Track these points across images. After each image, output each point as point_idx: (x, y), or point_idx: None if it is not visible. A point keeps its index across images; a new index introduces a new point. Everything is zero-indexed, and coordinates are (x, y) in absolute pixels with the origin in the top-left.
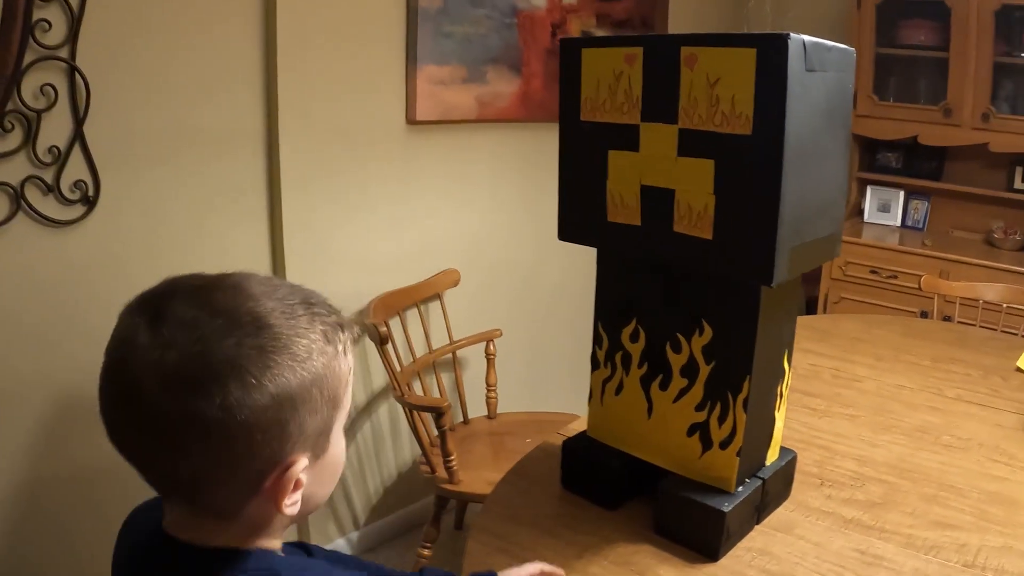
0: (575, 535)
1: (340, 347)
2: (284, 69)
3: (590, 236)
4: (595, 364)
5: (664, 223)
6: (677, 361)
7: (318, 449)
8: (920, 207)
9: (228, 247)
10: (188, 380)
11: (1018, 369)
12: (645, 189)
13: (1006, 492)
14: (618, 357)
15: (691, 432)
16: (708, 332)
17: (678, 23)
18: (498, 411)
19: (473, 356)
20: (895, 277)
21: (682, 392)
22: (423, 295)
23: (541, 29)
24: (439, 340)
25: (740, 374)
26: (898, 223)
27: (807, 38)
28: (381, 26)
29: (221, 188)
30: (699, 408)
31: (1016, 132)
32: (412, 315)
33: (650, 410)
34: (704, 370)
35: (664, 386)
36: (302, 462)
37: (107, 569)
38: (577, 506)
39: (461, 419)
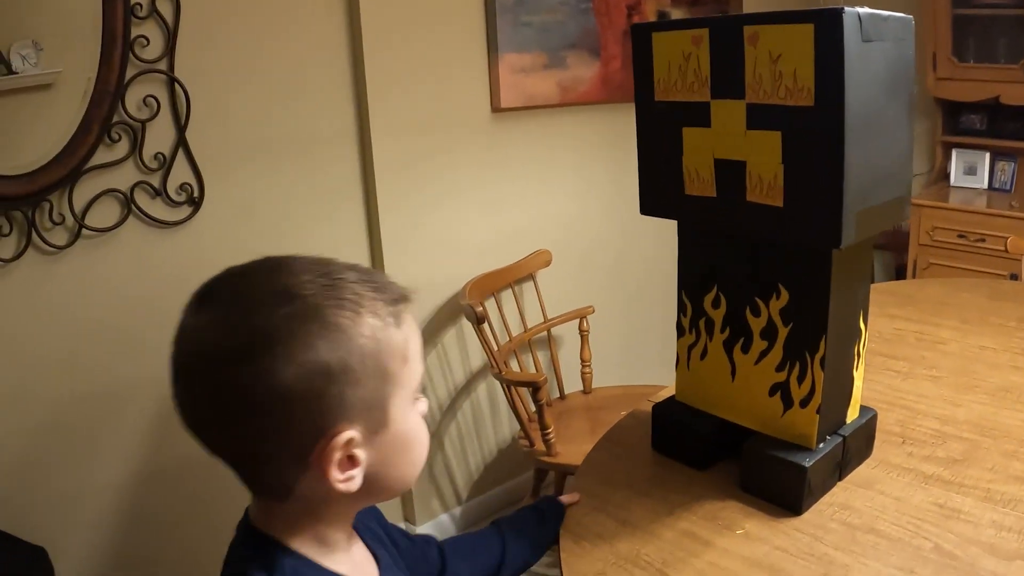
0: (666, 493)
1: (391, 319)
2: (371, 66)
3: (670, 210)
4: (680, 331)
5: (737, 194)
6: (757, 324)
7: (372, 423)
8: (1007, 168)
9: (327, 238)
10: (223, 354)
11: None
12: (718, 162)
13: None
14: (702, 323)
15: (772, 392)
16: (785, 295)
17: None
18: (593, 386)
19: (567, 333)
20: (983, 240)
21: (762, 354)
22: (516, 276)
23: (617, 12)
24: (533, 319)
25: (816, 334)
26: (985, 185)
27: (862, 10)
28: (461, 19)
29: (318, 183)
30: (779, 369)
31: None
32: (506, 296)
33: (733, 372)
34: (782, 332)
35: (746, 349)
36: (348, 434)
37: (211, 562)
38: (668, 467)
39: (558, 395)
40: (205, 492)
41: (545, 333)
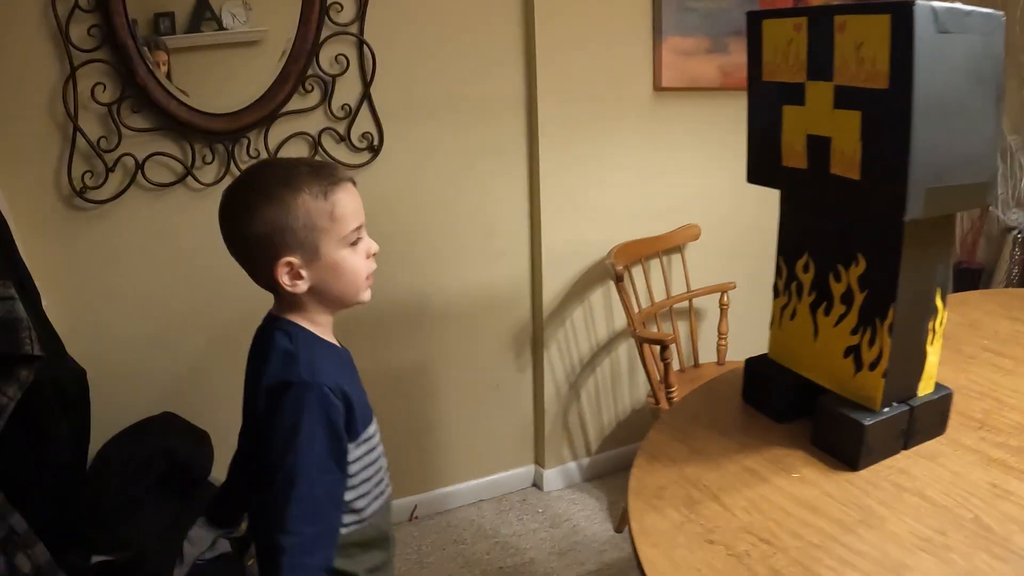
0: (743, 437)
1: (320, 194)
2: (541, 36)
3: (771, 179)
4: (776, 292)
5: (824, 166)
6: (837, 289)
7: (307, 254)
8: None
9: (490, 193)
10: (226, 213)
11: None
12: (810, 138)
13: None
14: (793, 286)
15: (847, 354)
16: (862, 263)
17: None
18: (727, 358)
19: (709, 307)
20: None
21: (841, 317)
22: (665, 246)
23: (782, 1)
24: (678, 290)
25: (886, 302)
26: None
27: (938, 4)
28: (630, 4)
29: (485, 143)
30: (853, 332)
31: None
32: (654, 265)
33: (816, 333)
34: (858, 297)
35: (827, 312)
36: (288, 258)
37: None
38: (751, 416)
39: (692, 363)
40: None
41: (687, 303)
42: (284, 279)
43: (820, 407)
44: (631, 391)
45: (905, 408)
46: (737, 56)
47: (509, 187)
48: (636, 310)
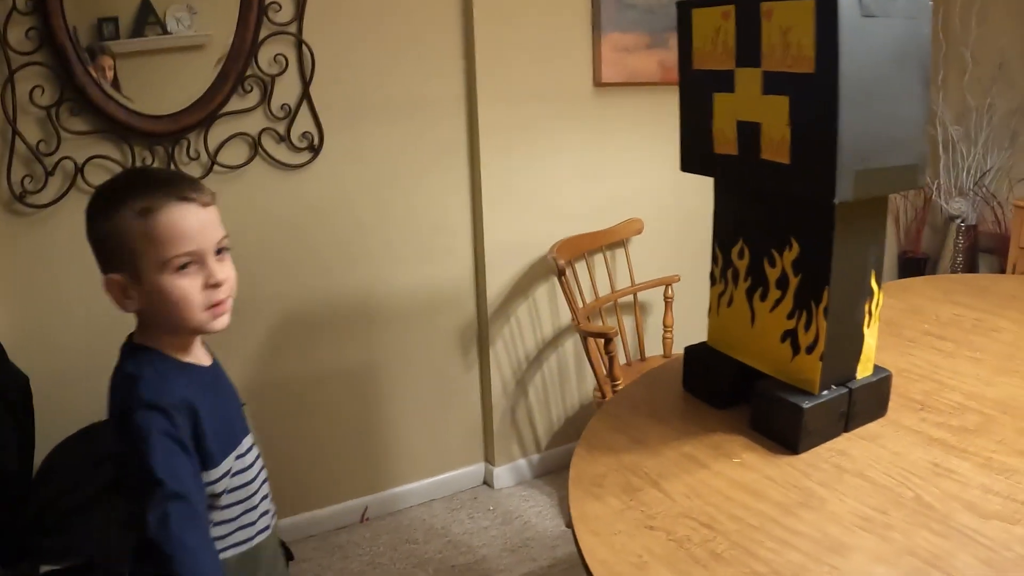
0: (683, 424)
1: (139, 215)
2: (481, 36)
3: (704, 167)
4: (712, 280)
5: (754, 152)
6: (772, 274)
7: (131, 275)
8: None
9: (433, 191)
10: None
11: None
12: (740, 124)
13: None
14: (729, 273)
15: (784, 338)
16: (796, 247)
17: None
18: (673, 351)
19: (654, 300)
20: None
21: (776, 302)
22: (608, 240)
23: None
24: (622, 284)
25: (820, 285)
26: None
27: None
28: (568, 2)
29: (427, 140)
30: (789, 316)
31: None
32: (598, 260)
33: (753, 319)
34: (793, 282)
35: (763, 297)
36: (113, 276)
37: (309, 472)
38: (691, 403)
39: (639, 357)
40: (307, 405)
41: (631, 297)
42: (114, 295)
43: (758, 392)
44: (579, 386)
45: (844, 391)
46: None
47: (451, 185)
48: (580, 305)
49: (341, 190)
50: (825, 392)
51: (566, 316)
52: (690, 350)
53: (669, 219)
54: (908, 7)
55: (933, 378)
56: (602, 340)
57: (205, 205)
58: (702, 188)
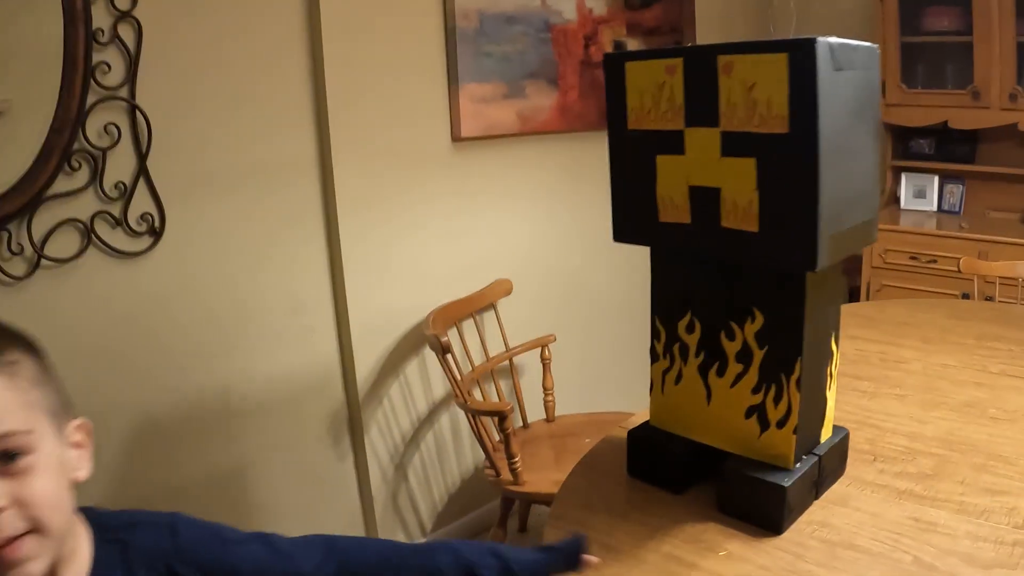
0: (646, 517)
1: None
2: (332, 96)
3: (643, 236)
4: (654, 356)
5: (712, 220)
6: (732, 348)
7: None
8: (955, 191)
9: (290, 269)
10: None
11: None
12: (693, 189)
13: None
14: (676, 348)
15: (749, 414)
16: (760, 319)
17: (705, 27)
18: (556, 414)
19: (529, 362)
20: (935, 262)
21: (738, 377)
22: (478, 305)
23: (574, 42)
24: (495, 348)
25: (792, 356)
26: (934, 208)
27: (833, 40)
28: (423, 50)
29: (280, 214)
30: (755, 391)
31: None
32: (468, 325)
33: (709, 396)
34: (758, 355)
35: (721, 372)
36: None
37: None
38: (645, 492)
39: (521, 424)
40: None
41: (507, 362)
42: None
43: (729, 474)
44: (458, 462)
45: (814, 459)
46: (535, 100)
47: (310, 258)
48: (459, 378)
49: (188, 276)
50: (798, 465)
51: (438, 390)
52: (634, 434)
53: (536, 277)
54: (865, 58)
55: (869, 423)
56: (496, 417)
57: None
58: (569, 243)
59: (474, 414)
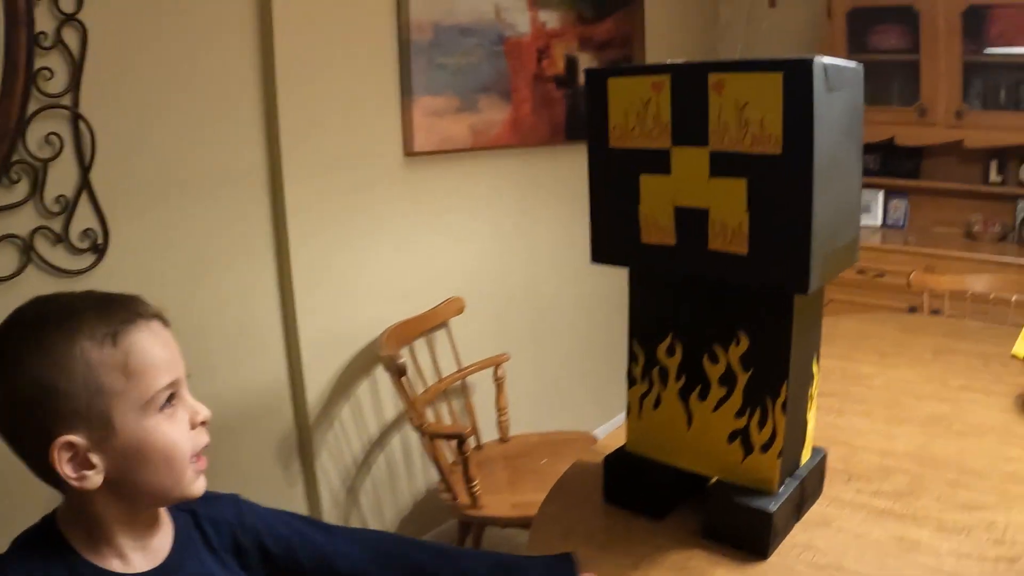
0: (629, 546)
1: (109, 340)
2: (284, 108)
3: (624, 257)
4: (632, 380)
5: (699, 241)
6: (715, 371)
7: (96, 432)
8: (900, 206)
9: (238, 284)
10: None
11: (1014, 356)
12: (679, 210)
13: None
14: (655, 372)
15: (732, 439)
16: (745, 342)
17: (655, 41)
18: (510, 433)
19: (482, 381)
20: (882, 276)
21: (721, 401)
22: (431, 324)
23: (527, 56)
24: (447, 367)
25: (778, 380)
26: (879, 223)
27: (827, 60)
28: (376, 61)
29: (228, 227)
30: (739, 415)
31: (989, 127)
32: (420, 344)
33: (690, 420)
34: (742, 378)
35: (703, 396)
36: (67, 438)
37: None
38: (625, 519)
39: (475, 444)
40: None
41: (460, 382)
42: (66, 468)
43: (713, 499)
44: (409, 484)
45: (796, 482)
46: (488, 114)
47: (258, 275)
48: (413, 400)
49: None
50: (782, 489)
51: (389, 411)
52: (611, 460)
53: (488, 294)
54: (853, 77)
55: (839, 441)
56: (455, 440)
57: (166, 324)
58: (524, 259)
59: (431, 437)
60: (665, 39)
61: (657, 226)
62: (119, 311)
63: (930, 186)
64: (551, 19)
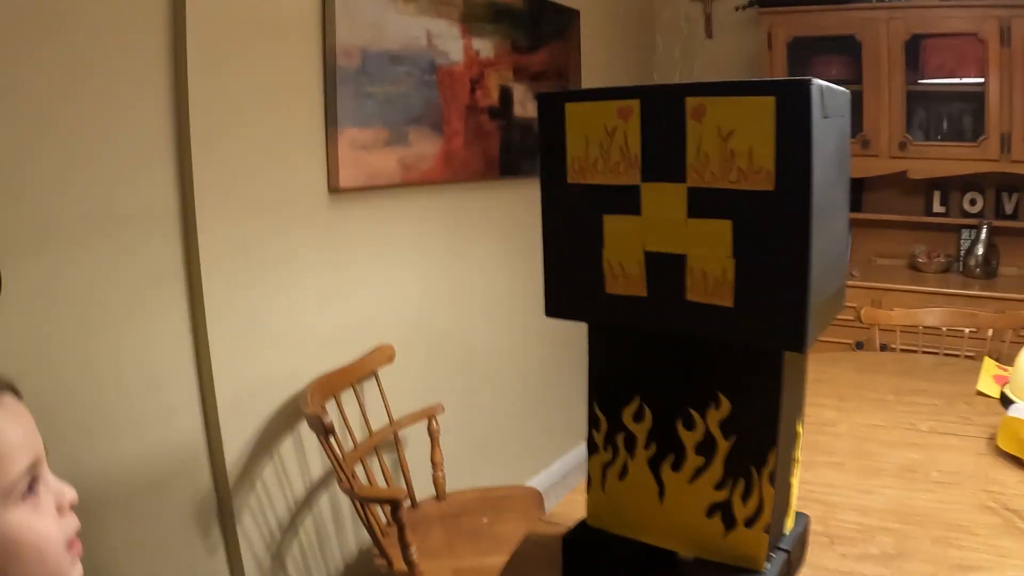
0: None
1: None
2: (197, 139)
3: (584, 311)
4: (592, 448)
5: (674, 292)
6: (691, 438)
7: None
8: None
9: (145, 336)
10: None
11: (979, 392)
12: (650, 256)
13: (1011, 523)
14: (620, 439)
15: (711, 512)
16: (726, 405)
17: (590, 72)
18: (447, 490)
19: (413, 433)
20: None
21: (698, 471)
22: (359, 374)
23: (460, 85)
24: (378, 420)
25: (765, 447)
26: None
27: (823, 83)
28: (300, 90)
29: (135, 272)
30: (719, 487)
31: (932, 158)
32: (348, 396)
33: (661, 493)
34: (723, 446)
35: (677, 466)
36: None
37: None
38: None
39: (409, 503)
40: None
41: (391, 435)
42: None
43: None
44: (340, 547)
45: (783, 555)
46: (418, 147)
47: (168, 325)
48: (342, 459)
49: (25, 349)
50: (768, 565)
51: (316, 469)
52: (571, 538)
53: (420, 341)
54: (843, 104)
55: (814, 499)
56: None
57: (19, 396)
58: (457, 301)
59: (364, 502)
60: (601, 70)
61: (624, 274)
62: None
63: (873, 218)
64: (485, 47)
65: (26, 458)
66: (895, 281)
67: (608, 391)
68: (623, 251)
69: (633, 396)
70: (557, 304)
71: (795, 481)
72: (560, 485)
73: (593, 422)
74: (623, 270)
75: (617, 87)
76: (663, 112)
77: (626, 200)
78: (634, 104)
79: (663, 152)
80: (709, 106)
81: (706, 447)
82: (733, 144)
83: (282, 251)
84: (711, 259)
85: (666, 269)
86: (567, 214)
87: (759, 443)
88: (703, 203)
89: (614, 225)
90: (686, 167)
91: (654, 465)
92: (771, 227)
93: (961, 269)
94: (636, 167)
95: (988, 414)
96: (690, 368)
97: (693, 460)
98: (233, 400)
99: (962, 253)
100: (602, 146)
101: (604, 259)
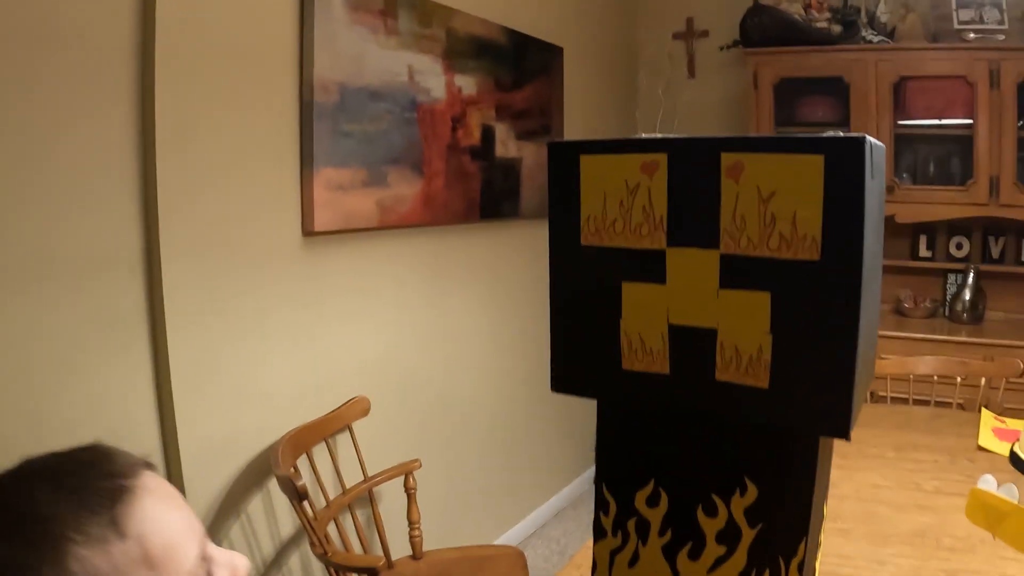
0: None
1: (111, 530)
2: (163, 178)
3: (597, 387)
4: (600, 533)
5: (702, 371)
6: (712, 526)
7: None
8: None
9: (105, 387)
10: None
11: (980, 448)
12: (675, 329)
13: None
14: (631, 525)
15: None
16: (752, 491)
17: (573, 111)
18: (424, 549)
19: (388, 488)
20: None
21: (719, 561)
22: (332, 429)
23: (442, 124)
24: (352, 476)
25: (795, 536)
26: None
27: (872, 140)
28: (274, 126)
29: (94, 320)
30: None
31: (919, 202)
32: (320, 451)
33: None
34: (748, 534)
35: (695, 555)
36: None
37: None
38: None
39: (385, 564)
40: None
41: (366, 493)
42: None
43: None
44: None
45: None
46: (397, 188)
47: (130, 376)
48: (315, 521)
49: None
50: None
51: (286, 527)
52: None
53: (396, 393)
54: (881, 160)
55: (825, 572)
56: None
57: (155, 469)
58: (434, 351)
59: (338, 569)
60: (584, 109)
61: (644, 349)
62: (101, 480)
63: None
64: (467, 84)
65: (195, 544)
66: (881, 327)
67: (619, 473)
68: (644, 323)
69: (648, 479)
70: (565, 379)
71: (818, 564)
72: (537, 536)
73: (601, 505)
74: (643, 344)
75: (641, 137)
76: (694, 168)
77: (649, 266)
78: (661, 158)
79: (693, 214)
80: (748, 163)
81: (729, 535)
82: (774, 207)
83: (252, 298)
84: (745, 335)
85: (693, 345)
86: (580, 279)
87: (788, 532)
88: (738, 272)
89: (634, 294)
90: (720, 231)
91: (669, 553)
92: (815, 300)
93: (947, 314)
94: (662, 230)
95: (993, 471)
96: (713, 451)
97: (714, 549)
98: (198, 456)
99: (948, 298)
100: (622, 204)
101: (622, 331)
